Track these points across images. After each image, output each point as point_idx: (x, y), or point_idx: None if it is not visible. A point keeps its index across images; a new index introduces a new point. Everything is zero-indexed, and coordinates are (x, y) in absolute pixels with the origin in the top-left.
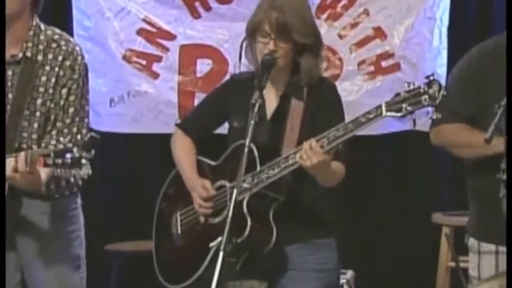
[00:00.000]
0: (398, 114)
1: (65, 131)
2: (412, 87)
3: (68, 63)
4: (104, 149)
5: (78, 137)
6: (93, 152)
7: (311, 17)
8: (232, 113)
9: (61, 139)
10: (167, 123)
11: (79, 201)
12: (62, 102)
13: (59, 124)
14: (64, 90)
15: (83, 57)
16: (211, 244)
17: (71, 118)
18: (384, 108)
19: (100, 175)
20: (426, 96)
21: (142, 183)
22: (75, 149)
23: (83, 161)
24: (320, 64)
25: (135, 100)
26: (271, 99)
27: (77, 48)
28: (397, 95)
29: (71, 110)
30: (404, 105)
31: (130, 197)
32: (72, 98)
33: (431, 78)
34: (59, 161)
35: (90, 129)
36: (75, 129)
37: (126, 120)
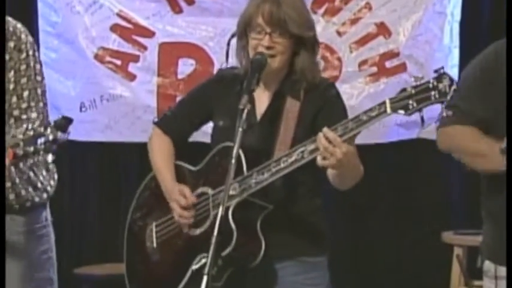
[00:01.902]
0: (404, 112)
1: (23, 117)
2: (419, 82)
3: (11, 44)
4: (74, 160)
5: (42, 119)
6: (68, 133)
7: (307, 10)
8: (218, 112)
9: (23, 127)
10: (145, 130)
11: (49, 216)
12: (11, 87)
13: (15, 112)
14: (11, 73)
15: (27, 35)
16: (194, 267)
17: (27, 102)
18: (388, 105)
19: (69, 190)
20: (435, 92)
21: (117, 198)
22: (48, 130)
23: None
24: (317, 64)
25: (109, 105)
26: (262, 98)
27: (19, 26)
28: (403, 90)
29: (26, 93)
30: (411, 102)
31: (103, 214)
32: (23, 80)
33: (441, 71)
34: (30, 148)
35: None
36: (34, 114)
37: (99, 128)
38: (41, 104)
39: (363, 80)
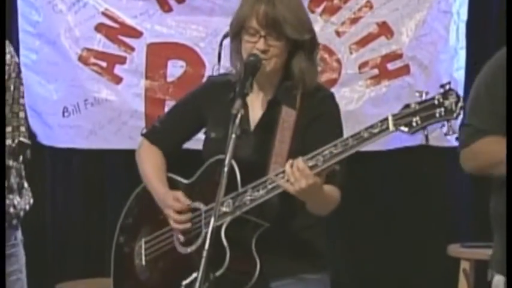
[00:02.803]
0: (408, 130)
1: None
2: (424, 97)
3: None
4: (56, 168)
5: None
6: (21, 159)
7: (304, 10)
8: (209, 122)
9: None
10: (132, 137)
11: (19, 236)
12: None
13: None
14: None
15: (12, 56)
16: (184, 282)
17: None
18: (390, 122)
19: (51, 201)
20: (441, 109)
21: (103, 210)
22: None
23: (25, 185)
24: (315, 68)
25: (94, 109)
26: (256, 105)
27: (7, 44)
28: (407, 106)
29: (8, 116)
30: (415, 119)
31: (87, 226)
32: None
33: (447, 87)
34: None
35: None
36: (9, 141)
37: (83, 134)
38: (18, 132)
39: (363, 83)
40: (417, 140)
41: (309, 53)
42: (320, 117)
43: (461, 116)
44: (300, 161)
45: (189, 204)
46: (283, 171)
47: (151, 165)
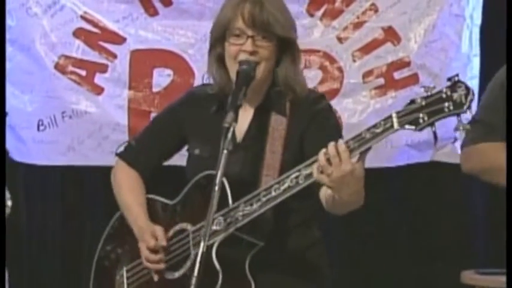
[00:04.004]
0: (414, 127)
1: None
2: (430, 92)
3: None
4: (31, 187)
5: None
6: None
7: (287, 9)
8: (192, 138)
9: None
10: (114, 152)
11: None
12: None
13: None
14: None
15: None
16: None
17: None
18: (395, 119)
19: (26, 223)
20: (449, 103)
21: (81, 232)
22: None
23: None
24: (301, 74)
25: (72, 123)
26: (242, 114)
27: None
28: (412, 102)
29: None
30: (421, 115)
31: (64, 251)
32: None
33: (456, 79)
34: None
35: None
36: None
37: (60, 150)
38: None
39: (367, 93)
40: (426, 155)
41: (293, 58)
42: (312, 121)
43: (472, 110)
44: (340, 144)
45: (164, 245)
46: (278, 182)
47: (128, 190)
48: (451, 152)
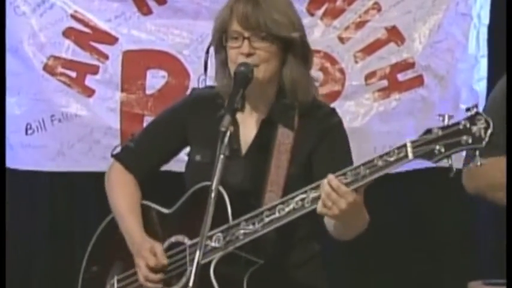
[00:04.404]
0: (429, 159)
1: None
2: (447, 121)
3: None
4: (18, 194)
5: None
6: None
7: (290, 5)
8: (194, 142)
9: None
10: (106, 157)
11: None
12: None
13: None
14: None
15: None
16: None
17: None
18: (409, 149)
19: (11, 232)
20: (468, 136)
21: (71, 240)
22: None
23: None
24: (310, 78)
25: (61, 126)
26: (248, 125)
27: None
28: (428, 132)
29: None
30: (437, 147)
31: (53, 259)
32: None
33: (475, 111)
34: None
35: None
36: None
37: (49, 155)
38: None
39: (370, 96)
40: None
41: (301, 58)
42: (323, 140)
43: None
44: (332, 179)
45: (165, 264)
46: (282, 203)
47: (123, 196)
48: (456, 156)
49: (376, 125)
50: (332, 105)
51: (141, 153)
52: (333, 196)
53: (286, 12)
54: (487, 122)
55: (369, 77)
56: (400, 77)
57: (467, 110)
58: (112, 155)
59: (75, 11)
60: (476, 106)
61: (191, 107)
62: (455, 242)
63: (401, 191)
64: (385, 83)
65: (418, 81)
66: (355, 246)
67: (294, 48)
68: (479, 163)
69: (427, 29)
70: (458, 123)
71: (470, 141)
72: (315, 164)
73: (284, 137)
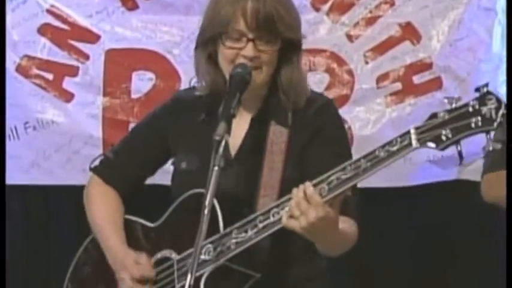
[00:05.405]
0: (436, 146)
1: None
2: (455, 104)
3: None
4: None
5: None
6: None
7: (293, 3)
8: (178, 150)
9: None
10: (86, 169)
11: None
12: None
13: None
14: None
15: None
16: None
17: None
18: (413, 136)
19: None
20: (477, 118)
21: (46, 259)
22: None
23: None
24: (305, 78)
25: (36, 135)
26: (236, 125)
27: None
28: (433, 116)
29: None
30: (444, 132)
31: (27, 281)
32: None
33: (485, 90)
34: None
35: None
36: None
37: (22, 166)
38: None
39: (382, 100)
40: (451, 173)
41: (298, 56)
42: (318, 134)
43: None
44: (308, 186)
45: (152, 276)
46: (277, 205)
47: (104, 210)
48: (479, 169)
49: (388, 133)
50: (340, 110)
51: (120, 164)
52: (302, 206)
53: (290, 9)
54: (498, 101)
55: (380, 79)
56: (416, 79)
57: (477, 90)
58: (90, 169)
59: (52, 6)
60: (486, 85)
61: (171, 113)
62: (477, 262)
63: (420, 208)
64: (398, 86)
65: (435, 84)
66: (366, 266)
67: (295, 50)
68: (491, 148)
69: (446, 25)
70: (466, 105)
71: (480, 123)
72: (306, 162)
73: (277, 136)
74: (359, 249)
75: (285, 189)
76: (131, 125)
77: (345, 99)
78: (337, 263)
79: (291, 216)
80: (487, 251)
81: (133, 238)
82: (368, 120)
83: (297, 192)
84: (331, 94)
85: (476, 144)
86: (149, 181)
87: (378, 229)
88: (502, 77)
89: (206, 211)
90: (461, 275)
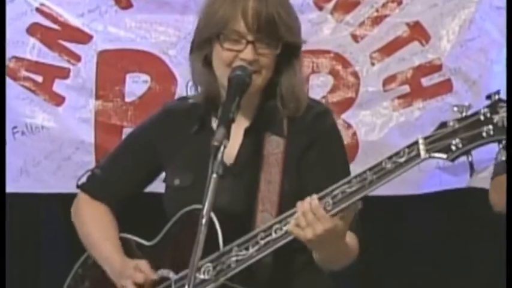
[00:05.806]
0: (445, 157)
1: None
2: (465, 112)
3: None
4: None
5: None
6: None
7: (293, 7)
8: (170, 165)
9: None
10: (77, 176)
11: None
12: None
13: None
14: None
15: None
16: None
17: None
18: (422, 146)
19: None
20: (489, 127)
21: (35, 271)
22: None
23: None
24: (304, 86)
25: (25, 140)
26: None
27: None
28: (443, 125)
29: None
30: (454, 142)
31: None
32: None
33: (496, 97)
34: None
35: None
36: None
37: (10, 173)
38: None
39: (389, 104)
40: (462, 181)
41: (299, 62)
42: (315, 144)
43: None
44: (314, 199)
45: (153, 278)
46: (280, 221)
47: (97, 226)
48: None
49: (395, 139)
50: (345, 115)
51: (108, 181)
52: (309, 217)
53: (291, 12)
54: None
55: (387, 82)
56: (425, 81)
57: (488, 97)
58: (77, 186)
59: (42, 4)
60: (498, 92)
61: (161, 126)
62: (488, 268)
63: (429, 216)
64: (406, 88)
65: (445, 87)
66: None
67: (295, 54)
68: (504, 158)
69: (457, 25)
70: (477, 113)
71: (492, 132)
72: (303, 174)
73: (273, 146)
74: (368, 257)
75: (284, 203)
76: (125, 130)
77: (349, 102)
78: (346, 271)
79: (297, 225)
80: (499, 260)
81: (128, 256)
82: (374, 124)
83: (303, 204)
84: (335, 97)
85: (489, 151)
86: (148, 189)
87: (387, 238)
88: None
89: (204, 221)
90: (472, 283)
